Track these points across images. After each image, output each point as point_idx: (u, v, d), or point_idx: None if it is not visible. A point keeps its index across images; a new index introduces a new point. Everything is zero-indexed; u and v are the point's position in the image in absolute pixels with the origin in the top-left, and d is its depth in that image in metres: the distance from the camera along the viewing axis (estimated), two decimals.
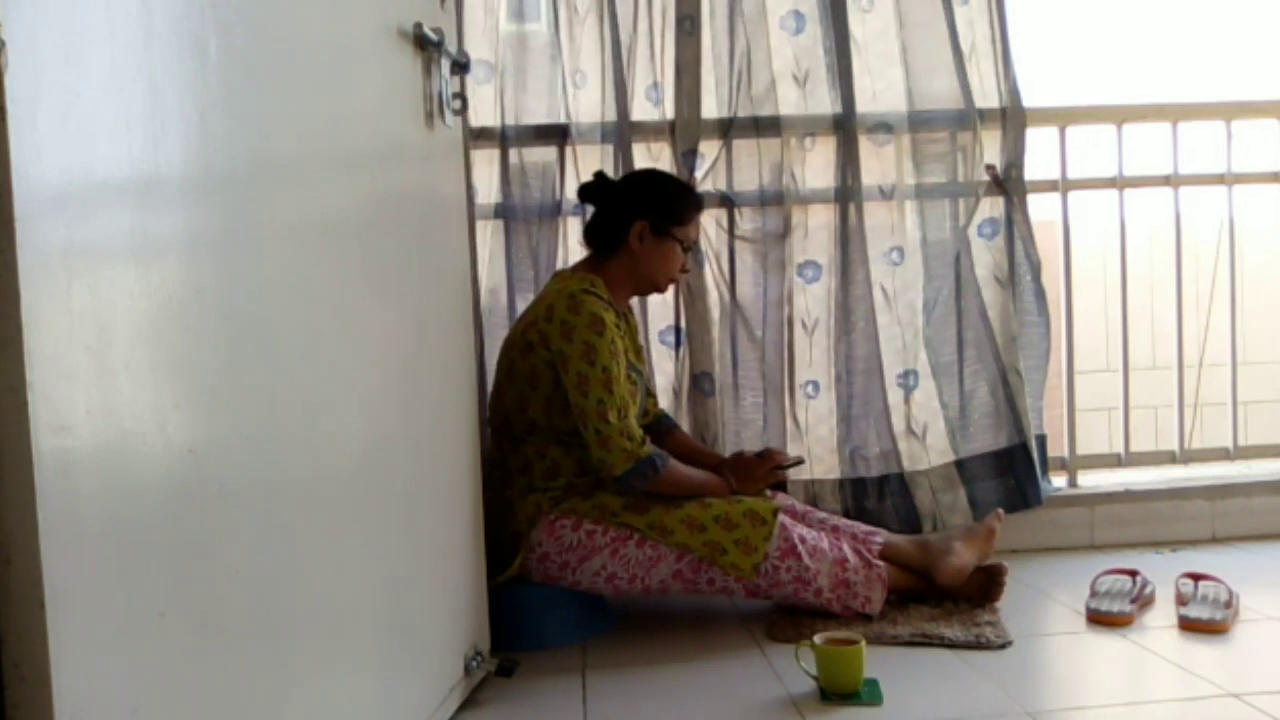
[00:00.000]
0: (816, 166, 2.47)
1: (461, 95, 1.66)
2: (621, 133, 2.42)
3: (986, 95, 2.49)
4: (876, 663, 1.72)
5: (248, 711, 1.00)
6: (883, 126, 2.48)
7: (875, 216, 2.49)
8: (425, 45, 1.51)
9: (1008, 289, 2.51)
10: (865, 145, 2.48)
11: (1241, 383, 2.76)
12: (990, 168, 2.50)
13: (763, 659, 1.86)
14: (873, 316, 2.48)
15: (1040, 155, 2.60)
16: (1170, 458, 2.74)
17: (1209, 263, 3.65)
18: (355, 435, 1.28)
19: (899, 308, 2.50)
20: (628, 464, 1.92)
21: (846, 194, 2.48)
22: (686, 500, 1.99)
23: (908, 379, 2.50)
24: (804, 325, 2.49)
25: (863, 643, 1.67)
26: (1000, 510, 2.20)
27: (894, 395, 2.49)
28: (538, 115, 2.42)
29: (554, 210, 2.42)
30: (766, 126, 2.46)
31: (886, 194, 2.49)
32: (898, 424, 2.49)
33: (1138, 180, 2.69)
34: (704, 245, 2.45)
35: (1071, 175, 2.67)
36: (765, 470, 2.12)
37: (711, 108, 2.46)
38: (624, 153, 2.42)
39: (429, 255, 1.58)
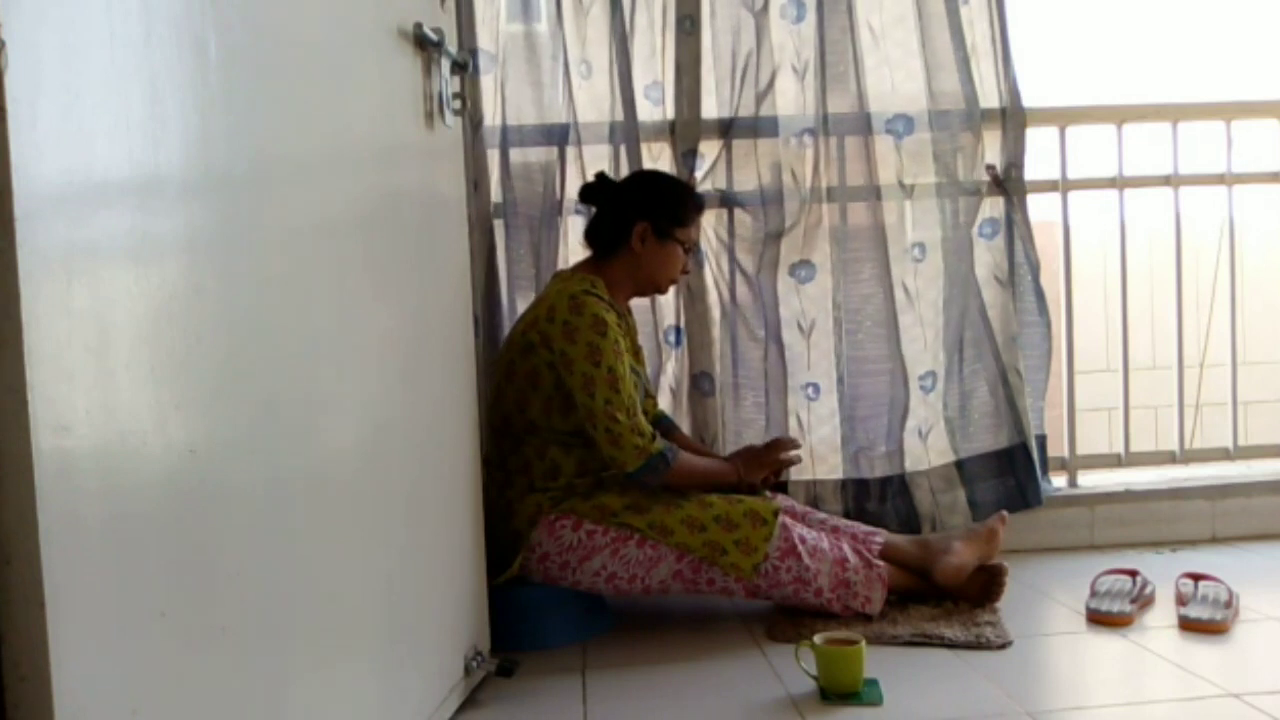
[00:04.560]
0: (816, 166, 2.47)
1: (462, 95, 1.66)
2: (627, 130, 2.41)
3: (986, 95, 2.49)
4: (876, 663, 1.72)
5: (248, 711, 1.00)
6: (882, 126, 2.48)
7: (875, 216, 2.49)
8: (425, 45, 1.51)
9: (1008, 289, 2.51)
10: (865, 145, 2.47)
11: (1241, 383, 2.76)
12: (990, 168, 2.50)
13: (763, 659, 1.86)
14: (877, 316, 2.48)
15: (1040, 155, 2.60)
16: (1170, 458, 2.74)
17: (1209, 263, 3.65)
18: (355, 435, 1.28)
19: (900, 307, 2.49)
20: (640, 461, 1.93)
21: (846, 194, 2.48)
22: (687, 500, 1.99)
23: (908, 380, 2.50)
24: (802, 326, 2.49)
25: (863, 643, 1.67)
26: (1004, 513, 2.19)
27: (896, 395, 2.49)
28: (540, 112, 2.41)
29: (555, 209, 2.42)
30: (766, 126, 2.45)
31: (886, 194, 2.49)
32: (907, 424, 2.48)
33: (1138, 180, 2.69)
34: (704, 245, 2.45)
35: (1071, 175, 2.67)
36: (772, 458, 2.13)
37: (711, 108, 2.46)
38: (629, 148, 2.41)
39: (429, 255, 1.59)
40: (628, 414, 1.93)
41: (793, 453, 2.17)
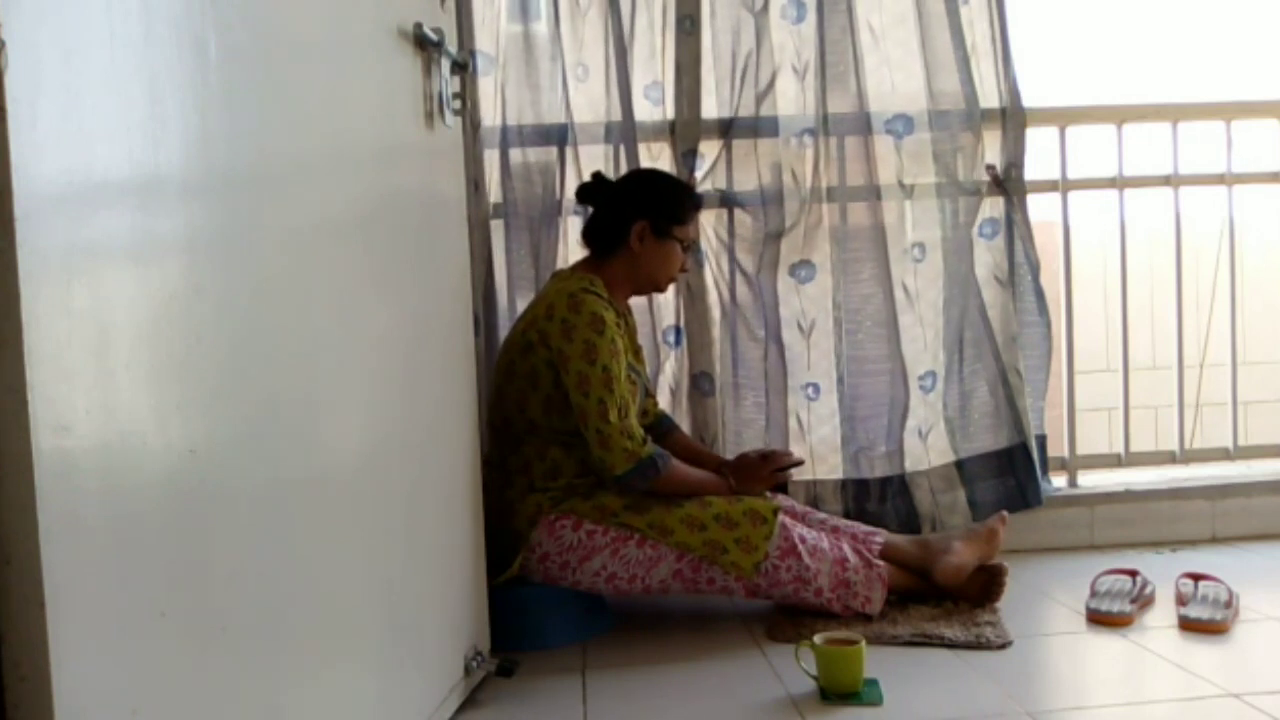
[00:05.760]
0: (816, 166, 2.47)
1: (462, 95, 1.66)
2: (625, 130, 2.41)
3: (986, 95, 2.49)
4: (876, 663, 1.72)
5: (248, 711, 1.00)
6: (882, 126, 2.48)
7: (875, 216, 2.49)
8: (425, 45, 1.51)
9: (1008, 289, 2.51)
10: (865, 145, 2.47)
11: (1241, 383, 2.76)
12: (990, 168, 2.50)
13: (763, 659, 1.86)
14: (877, 316, 2.48)
15: (1040, 155, 2.60)
16: (1170, 458, 2.74)
17: (1209, 263, 3.65)
18: (355, 435, 1.28)
19: (900, 307, 2.49)
20: (628, 464, 1.92)
21: (846, 194, 2.48)
22: (687, 500, 1.99)
23: (908, 380, 2.49)
24: (802, 326, 2.49)
25: (863, 643, 1.67)
26: (1004, 513, 2.19)
27: (896, 395, 2.49)
28: (539, 113, 2.41)
29: (555, 209, 2.42)
30: (766, 126, 2.45)
31: (886, 194, 2.49)
32: (907, 424, 2.48)
33: (1138, 180, 2.69)
34: (704, 245, 2.45)
35: (1071, 175, 2.67)
36: (768, 472, 2.12)
37: (711, 108, 2.46)
38: (628, 149, 2.41)
39: (429, 255, 1.59)
40: (620, 415, 1.93)
41: (790, 471, 2.16)
